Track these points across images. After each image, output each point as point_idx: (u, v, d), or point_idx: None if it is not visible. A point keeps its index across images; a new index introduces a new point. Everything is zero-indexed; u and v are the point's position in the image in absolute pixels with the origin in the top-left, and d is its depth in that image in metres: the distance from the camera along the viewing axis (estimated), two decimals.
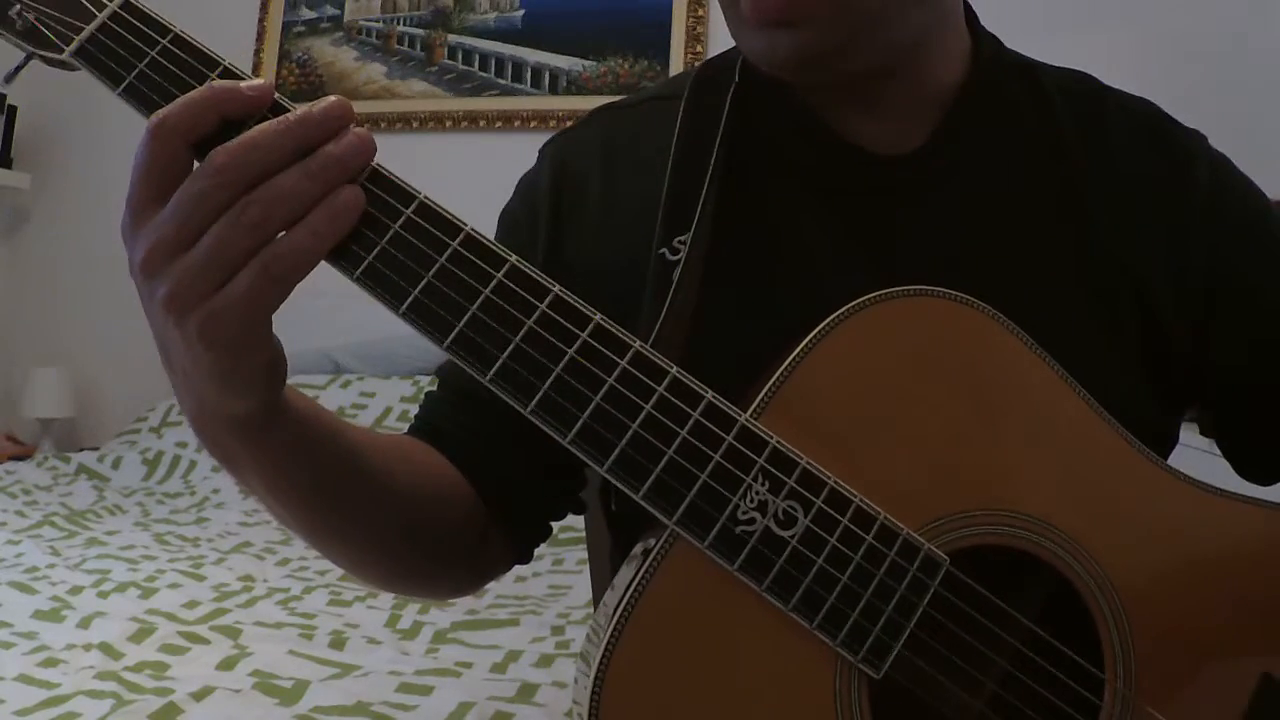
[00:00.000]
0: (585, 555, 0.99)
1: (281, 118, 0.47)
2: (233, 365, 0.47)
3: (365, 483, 0.60)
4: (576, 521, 0.81)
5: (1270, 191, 0.71)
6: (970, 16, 0.71)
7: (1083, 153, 0.67)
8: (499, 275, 0.49)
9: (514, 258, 0.49)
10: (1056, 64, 0.73)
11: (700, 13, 2.80)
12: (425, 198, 0.49)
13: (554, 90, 2.89)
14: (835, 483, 0.50)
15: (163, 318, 0.47)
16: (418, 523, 0.64)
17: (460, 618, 1.62)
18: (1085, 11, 2.49)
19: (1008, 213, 0.66)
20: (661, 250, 0.64)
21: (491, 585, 1.83)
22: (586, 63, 2.87)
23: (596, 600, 0.96)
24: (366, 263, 0.48)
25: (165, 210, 0.46)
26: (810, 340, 0.53)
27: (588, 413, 0.49)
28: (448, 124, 2.94)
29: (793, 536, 0.50)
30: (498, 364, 0.48)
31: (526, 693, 1.29)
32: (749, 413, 0.51)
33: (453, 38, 2.98)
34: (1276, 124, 2.11)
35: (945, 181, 0.66)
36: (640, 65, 2.83)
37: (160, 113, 0.46)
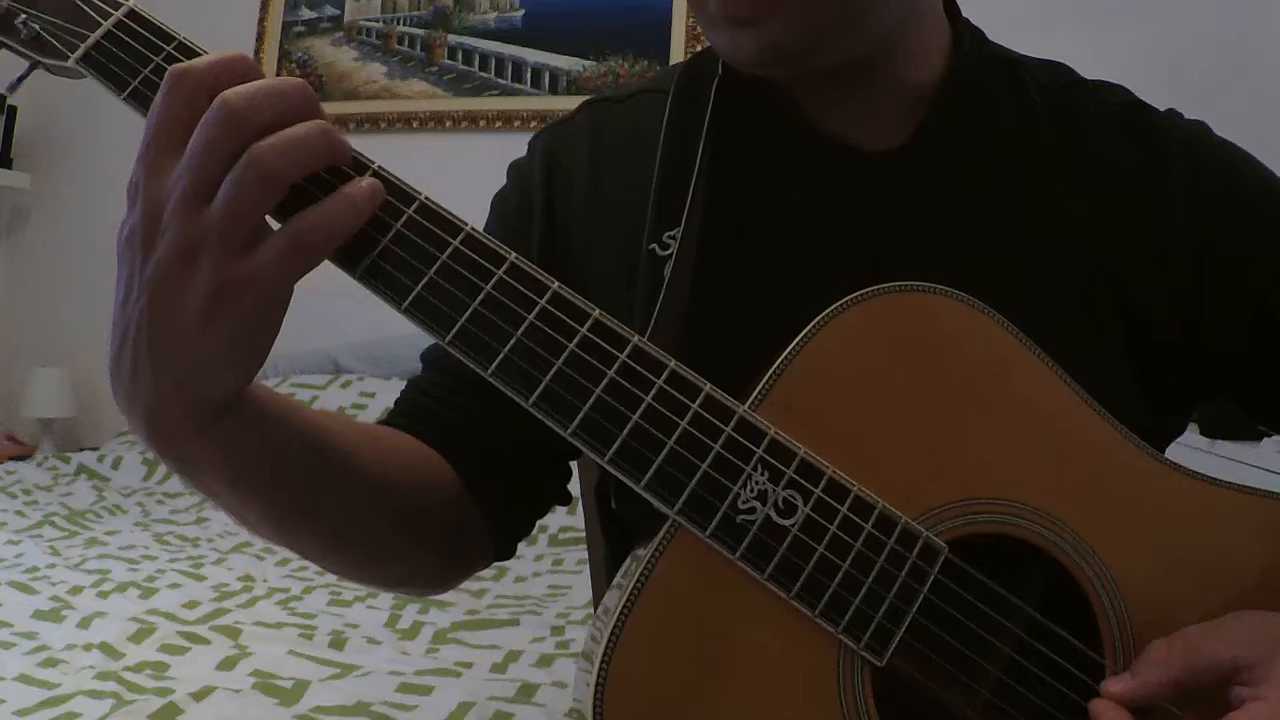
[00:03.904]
0: (585, 555, 0.99)
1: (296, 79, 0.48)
2: (247, 339, 0.46)
3: (330, 461, 0.56)
4: (576, 521, 0.82)
5: None
6: (951, 7, 0.70)
7: (1064, 149, 0.67)
8: (500, 272, 0.49)
9: (514, 255, 0.50)
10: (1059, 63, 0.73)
11: None
12: (426, 198, 0.50)
13: (554, 90, 2.89)
14: (834, 472, 0.51)
15: (177, 277, 0.45)
16: (392, 506, 0.61)
17: (460, 618, 1.62)
18: (1086, 10, 2.49)
19: (991, 210, 0.66)
20: (652, 246, 0.63)
21: (491, 585, 1.84)
22: (586, 63, 2.87)
23: (596, 600, 0.96)
24: (369, 260, 0.49)
25: (182, 161, 0.45)
26: (805, 334, 0.53)
27: (589, 405, 0.49)
28: (448, 124, 2.94)
29: (793, 525, 0.50)
30: (499, 358, 0.49)
31: (526, 693, 1.29)
32: (746, 405, 0.51)
33: (453, 38, 2.98)
34: (1277, 124, 2.11)
35: (930, 179, 0.66)
36: (640, 65, 2.83)
37: (181, 65, 0.46)
